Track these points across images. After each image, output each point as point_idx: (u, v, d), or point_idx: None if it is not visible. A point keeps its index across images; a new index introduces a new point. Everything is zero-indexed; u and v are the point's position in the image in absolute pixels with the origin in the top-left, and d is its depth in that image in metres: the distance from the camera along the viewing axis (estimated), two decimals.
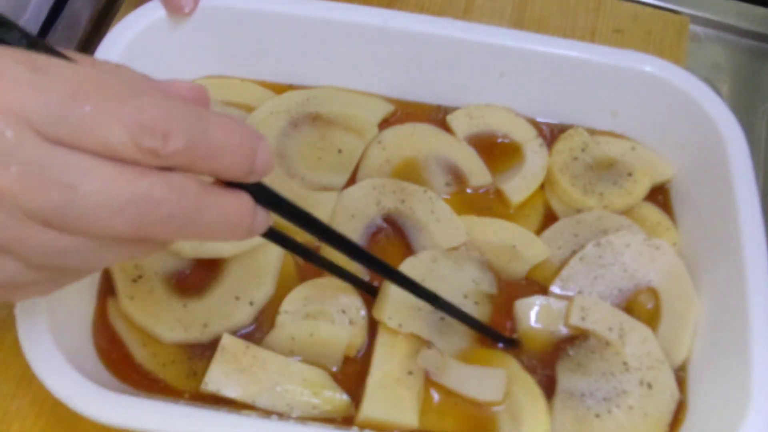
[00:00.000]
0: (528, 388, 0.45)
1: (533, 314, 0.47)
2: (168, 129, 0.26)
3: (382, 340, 0.45)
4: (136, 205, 0.26)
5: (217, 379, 0.42)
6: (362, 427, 0.43)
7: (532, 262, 0.50)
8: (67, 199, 0.26)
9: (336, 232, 0.37)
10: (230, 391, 0.42)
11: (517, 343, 0.47)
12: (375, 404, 0.43)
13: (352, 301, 0.46)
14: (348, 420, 0.43)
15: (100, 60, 0.30)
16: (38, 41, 0.28)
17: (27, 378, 0.46)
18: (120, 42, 0.49)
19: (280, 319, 0.46)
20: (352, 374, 0.45)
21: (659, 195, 0.54)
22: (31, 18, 0.59)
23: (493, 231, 0.50)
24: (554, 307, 0.48)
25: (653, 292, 0.49)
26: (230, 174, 0.29)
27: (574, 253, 0.50)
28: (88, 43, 0.61)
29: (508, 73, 0.53)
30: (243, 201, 0.30)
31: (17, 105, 0.25)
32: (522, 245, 0.50)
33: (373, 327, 0.46)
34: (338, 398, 0.43)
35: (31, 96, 0.25)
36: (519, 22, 0.64)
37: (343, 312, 0.46)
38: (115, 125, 0.26)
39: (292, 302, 0.46)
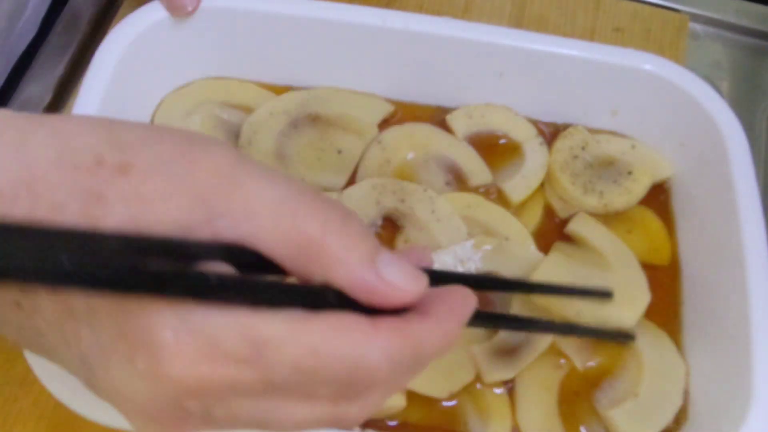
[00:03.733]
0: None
1: None
2: (380, 384, 0.26)
3: None
4: (323, 429, 0.27)
5: None
6: None
7: None
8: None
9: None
10: None
11: (632, 337, 0.46)
12: None
13: None
14: None
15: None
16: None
17: (29, 381, 0.46)
18: (120, 43, 0.49)
19: None
20: None
21: (659, 193, 0.54)
22: (30, 17, 0.59)
23: None
24: None
25: None
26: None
27: None
28: (88, 43, 0.61)
29: (508, 72, 0.53)
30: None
31: (234, 387, 0.24)
32: None
33: None
34: None
35: (250, 379, 0.24)
36: (518, 21, 0.64)
37: None
38: (326, 389, 0.26)
39: None
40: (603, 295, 0.42)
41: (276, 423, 0.26)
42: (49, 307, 0.25)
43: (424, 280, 0.27)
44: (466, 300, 0.29)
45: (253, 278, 0.25)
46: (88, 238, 0.23)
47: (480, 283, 0.40)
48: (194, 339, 0.23)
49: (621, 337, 0.45)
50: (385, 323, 0.26)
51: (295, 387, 0.25)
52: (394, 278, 0.26)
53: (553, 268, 0.47)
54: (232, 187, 0.25)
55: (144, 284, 0.23)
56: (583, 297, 0.44)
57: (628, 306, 0.46)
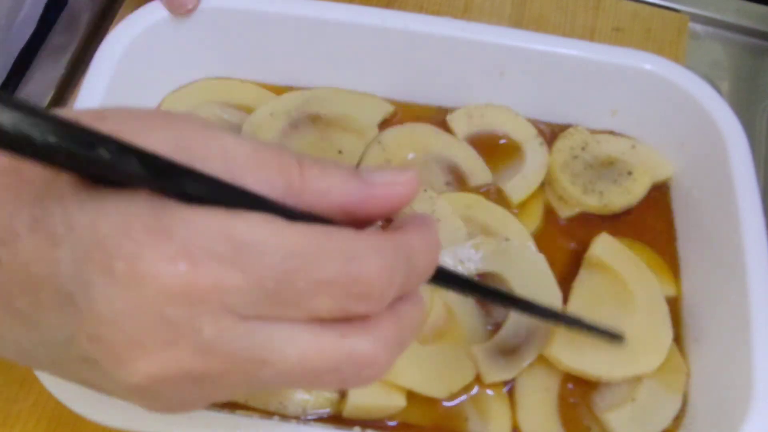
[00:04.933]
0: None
1: None
2: (382, 290, 0.25)
3: None
4: (336, 371, 0.25)
5: None
6: (352, 415, 0.43)
7: None
8: (264, 375, 0.25)
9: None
10: None
11: (621, 338, 0.44)
12: (360, 391, 0.43)
13: None
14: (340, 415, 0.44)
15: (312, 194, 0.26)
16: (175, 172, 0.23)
17: (29, 381, 0.46)
18: (120, 43, 0.49)
19: None
20: None
21: (659, 193, 0.54)
22: (28, 14, 0.59)
23: None
24: None
25: None
26: (422, 282, 0.28)
27: None
28: (88, 43, 0.61)
29: (508, 72, 0.53)
30: (421, 305, 0.28)
31: (220, 293, 0.23)
32: None
33: None
34: (331, 394, 0.43)
35: (237, 282, 0.23)
36: (518, 21, 0.64)
37: None
38: (324, 298, 0.24)
39: None
40: (614, 338, 0.44)
41: (278, 353, 0.24)
42: (29, 243, 0.24)
43: (411, 171, 0.27)
44: (432, 221, 0.29)
45: (228, 183, 0.24)
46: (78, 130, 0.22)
47: (489, 294, 0.38)
48: (170, 237, 0.22)
49: (612, 337, 0.44)
50: (370, 231, 0.25)
51: (290, 298, 0.24)
52: (383, 177, 0.27)
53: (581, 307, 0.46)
54: (209, 139, 0.25)
55: (118, 172, 0.22)
56: (594, 335, 0.43)
57: (651, 353, 0.45)
